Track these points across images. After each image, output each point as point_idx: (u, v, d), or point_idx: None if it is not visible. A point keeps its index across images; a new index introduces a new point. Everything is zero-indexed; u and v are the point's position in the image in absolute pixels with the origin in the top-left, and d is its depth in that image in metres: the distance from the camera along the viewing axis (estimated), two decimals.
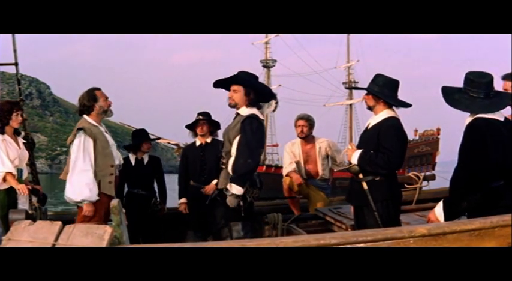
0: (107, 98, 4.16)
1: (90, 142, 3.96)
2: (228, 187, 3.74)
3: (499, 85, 3.20)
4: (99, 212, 3.94)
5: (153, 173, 5.25)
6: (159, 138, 5.68)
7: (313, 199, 5.43)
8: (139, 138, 5.23)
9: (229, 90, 3.99)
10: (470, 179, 2.90)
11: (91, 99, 4.08)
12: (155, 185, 5.31)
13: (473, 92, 3.02)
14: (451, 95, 3.08)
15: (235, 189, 3.69)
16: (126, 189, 5.19)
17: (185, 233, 5.04)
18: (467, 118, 3.07)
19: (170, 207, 5.49)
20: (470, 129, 2.99)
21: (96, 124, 4.09)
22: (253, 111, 3.86)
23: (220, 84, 4.04)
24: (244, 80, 3.96)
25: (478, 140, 2.92)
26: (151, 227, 4.95)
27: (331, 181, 5.69)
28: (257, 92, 3.90)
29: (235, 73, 4.05)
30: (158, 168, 5.31)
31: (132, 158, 5.20)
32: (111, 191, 4.03)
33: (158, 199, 5.16)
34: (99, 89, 4.16)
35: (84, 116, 4.11)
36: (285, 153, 5.60)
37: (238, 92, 3.87)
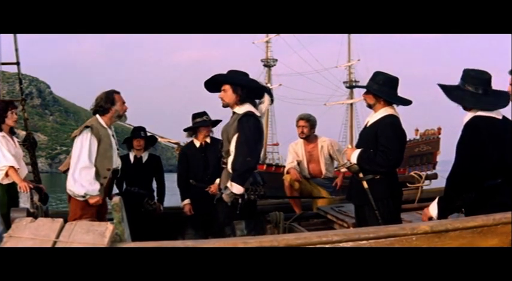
0: (124, 102, 4.13)
1: (95, 141, 3.94)
2: (228, 185, 3.72)
3: (505, 80, 3.16)
4: (91, 211, 3.93)
5: (152, 171, 5.19)
6: (153, 137, 5.55)
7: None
8: (131, 135, 5.20)
9: None
10: (465, 177, 2.88)
11: (109, 101, 4.04)
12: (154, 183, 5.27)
13: (475, 88, 2.99)
14: (453, 92, 3.05)
15: (236, 188, 3.67)
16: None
17: (185, 233, 5.02)
18: (465, 116, 3.05)
19: (170, 206, 5.46)
20: (468, 127, 2.96)
21: (106, 126, 4.06)
22: (249, 108, 3.82)
23: (212, 87, 3.99)
24: (227, 77, 3.91)
25: (475, 138, 2.89)
26: (144, 226, 4.78)
27: (336, 181, 5.67)
28: (245, 87, 3.85)
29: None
30: (158, 167, 5.26)
31: (131, 156, 5.18)
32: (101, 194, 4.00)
33: (155, 198, 5.09)
34: (118, 93, 4.12)
35: (97, 115, 4.07)
36: (288, 153, 5.61)
37: (227, 91, 3.83)
